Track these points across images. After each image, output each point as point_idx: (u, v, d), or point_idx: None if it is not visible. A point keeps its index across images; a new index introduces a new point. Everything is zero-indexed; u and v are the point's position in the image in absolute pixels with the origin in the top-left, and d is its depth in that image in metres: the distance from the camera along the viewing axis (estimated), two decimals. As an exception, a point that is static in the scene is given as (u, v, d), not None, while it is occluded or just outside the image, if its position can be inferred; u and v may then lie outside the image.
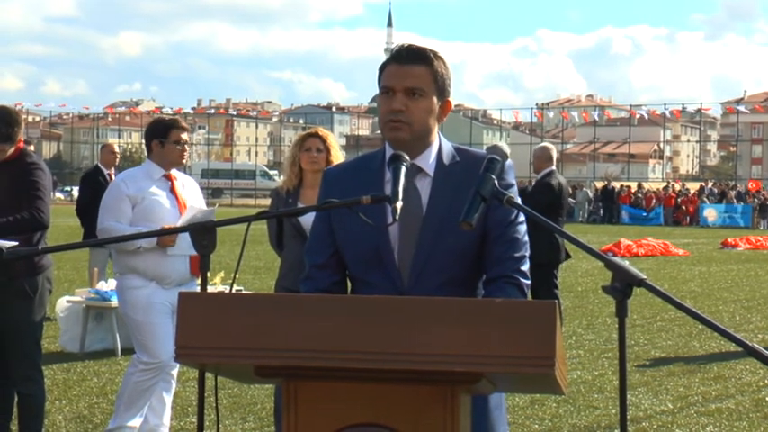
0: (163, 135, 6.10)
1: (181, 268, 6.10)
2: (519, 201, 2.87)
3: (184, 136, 6.19)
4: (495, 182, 2.74)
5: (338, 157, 6.00)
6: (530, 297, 3.21)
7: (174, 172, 6.21)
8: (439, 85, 3.12)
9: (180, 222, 5.91)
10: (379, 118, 3.18)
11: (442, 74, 3.12)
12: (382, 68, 3.15)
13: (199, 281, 6.87)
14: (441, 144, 3.18)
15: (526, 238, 3.16)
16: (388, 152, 3.09)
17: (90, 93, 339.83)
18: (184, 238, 5.89)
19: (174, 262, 6.06)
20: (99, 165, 12.46)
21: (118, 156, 12.63)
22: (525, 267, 3.14)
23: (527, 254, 3.16)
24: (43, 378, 5.92)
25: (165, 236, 5.92)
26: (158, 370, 6.10)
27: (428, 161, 3.13)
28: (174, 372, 6.36)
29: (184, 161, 6.26)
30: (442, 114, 3.17)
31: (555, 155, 10.80)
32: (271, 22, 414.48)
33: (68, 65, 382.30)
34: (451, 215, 2.92)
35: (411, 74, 3.07)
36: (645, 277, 2.43)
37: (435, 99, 3.11)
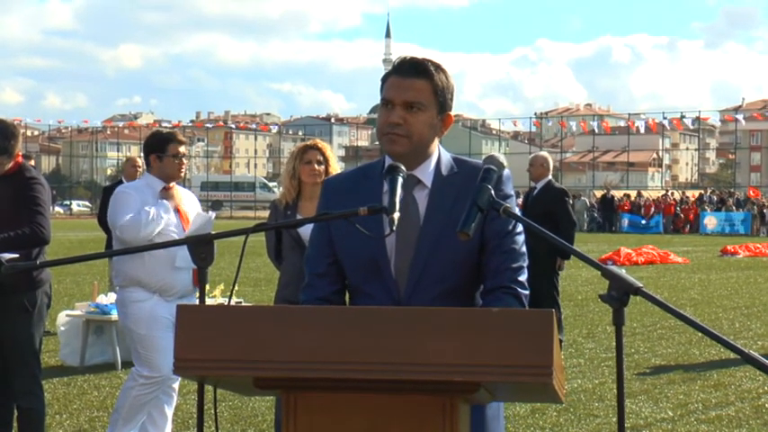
0: (161, 149, 6.11)
1: (186, 280, 6.11)
2: (517, 211, 2.87)
3: (182, 149, 6.20)
4: (492, 192, 2.74)
5: (336, 168, 6.01)
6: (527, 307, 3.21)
7: (172, 185, 6.22)
8: (439, 99, 3.09)
9: (188, 232, 5.92)
10: (377, 129, 3.16)
11: (443, 87, 3.10)
12: (384, 79, 3.13)
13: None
14: (440, 155, 3.17)
15: (524, 249, 3.15)
16: (388, 162, 3.09)
17: (90, 106, 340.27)
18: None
19: (180, 273, 6.07)
20: (122, 178, 12.59)
21: (140, 169, 12.69)
22: (523, 278, 3.12)
23: (525, 264, 3.14)
24: (43, 392, 5.92)
25: (168, 189, 6.08)
26: (158, 384, 6.09)
27: (426, 172, 3.12)
28: (176, 385, 6.36)
29: (183, 174, 6.27)
30: (443, 127, 3.15)
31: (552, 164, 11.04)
32: (270, 33, 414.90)
33: (68, 78, 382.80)
34: (449, 226, 2.92)
35: (411, 87, 3.05)
36: (641, 285, 2.43)
37: (435, 112, 3.09)
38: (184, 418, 7.52)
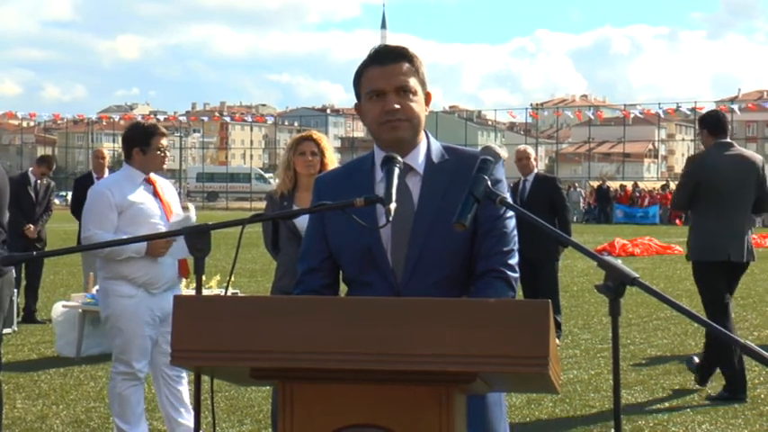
0: (144, 143, 6.07)
1: (169, 272, 6.09)
2: (509, 197, 2.88)
3: (164, 141, 6.16)
4: (489, 183, 2.75)
5: (332, 159, 6.02)
6: (520, 291, 3.21)
7: (152, 175, 6.19)
8: (421, 79, 3.16)
9: (166, 229, 5.86)
10: (369, 122, 3.16)
11: (420, 68, 3.17)
12: (360, 73, 3.15)
13: (185, 283, 6.89)
14: (429, 142, 3.20)
15: (515, 232, 3.18)
16: (378, 155, 3.12)
17: (88, 97, 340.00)
18: (173, 243, 5.93)
19: (164, 266, 6.05)
20: (92, 171, 12.64)
21: (106, 161, 12.83)
22: (513, 261, 3.15)
23: (515, 248, 3.18)
24: (1, 383, 5.87)
25: (157, 245, 5.93)
26: (137, 377, 6.08)
27: (418, 159, 3.15)
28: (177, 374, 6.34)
29: (165, 166, 6.25)
30: (426, 106, 3.20)
31: None
32: (269, 24, 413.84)
33: (66, 69, 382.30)
34: (442, 213, 2.97)
35: (398, 72, 3.09)
36: (637, 276, 2.43)
37: (421, 93, 3.15)
38: (181, 408, 7.51)
